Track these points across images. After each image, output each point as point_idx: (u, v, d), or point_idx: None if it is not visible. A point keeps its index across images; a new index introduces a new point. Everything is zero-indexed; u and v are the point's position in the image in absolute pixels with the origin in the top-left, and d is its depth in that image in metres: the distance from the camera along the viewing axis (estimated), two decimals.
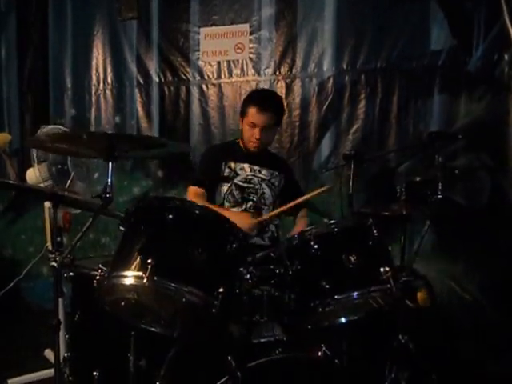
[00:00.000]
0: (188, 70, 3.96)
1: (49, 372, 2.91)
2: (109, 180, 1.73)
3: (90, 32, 4.22)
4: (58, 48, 4.33)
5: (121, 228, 1.83)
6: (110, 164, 1.73)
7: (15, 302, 3.90)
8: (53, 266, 2.11)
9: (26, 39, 4.34)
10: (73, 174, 3.02)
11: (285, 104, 3.58)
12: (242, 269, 1.86)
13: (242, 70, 3.82)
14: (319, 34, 3.62)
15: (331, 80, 3.60)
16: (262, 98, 2.76)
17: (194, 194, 2.72)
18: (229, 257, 1.82)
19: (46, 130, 2.91)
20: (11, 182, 3.21)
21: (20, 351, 3.31)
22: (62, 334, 2.24)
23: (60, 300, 2.26)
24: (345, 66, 3.56)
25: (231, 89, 3.85)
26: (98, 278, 1.85)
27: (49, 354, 3.15)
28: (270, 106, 2.67)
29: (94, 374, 2.15)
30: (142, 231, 1.74)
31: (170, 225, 1.74)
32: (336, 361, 1.97)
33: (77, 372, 2.28)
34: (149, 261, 1.62)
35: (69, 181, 3.00)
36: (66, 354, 2.30)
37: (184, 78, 3.98)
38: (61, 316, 2.33)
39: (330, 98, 3.62)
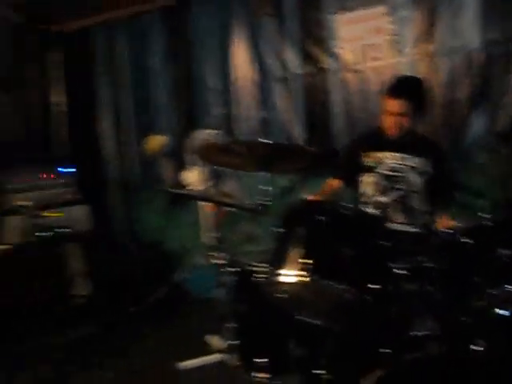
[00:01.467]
0: (327, 58, 3.95)
1: (215, 357, 3.10)
2: (269, 188, 1.83)
3: (229, 30, 4.31)
4: (200, 49, 4.47)
5: (276, 230, 1.93)
6: None
7: (178, 293, 4.15)
8: (213, 260, 2.25)
9: (172, 44, 4.59)
10: (225, 174, 3.18)
11: (428, 84, 3.44)
12: (393, 264, 1.87)
13: (382, 52, 3.72)
14: (463, 5, 3.42)
15: (479, 53, 3.39)
16: (394, 85, 2.70)
17: (328, 186, 2.84)
18: (380, 253, 1.86)
19: (199, 136, 3.08)
20: (185, 192, 3.34)
21: (186, 338, 3.52)
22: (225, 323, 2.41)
23: (222, 291, 2.42)
24: (493, 37, 3.34)
25: (372, 73, 3.78)
26: (259, 274, 1.98)
27: (213, 340, 3.34)
28: (401, 92, 2.61)
29: (259, 360, 2.27)
30: (296, 233, 1.83)
31: (322, 226, 1.83)
32: (494, 356, 1.89)
33: (242, 358, 2.42)
34: (306, 260, 1.72)
35: (223, 183, 3.16)
36: (231, 342, 2.46)
37: (323, 66, 3.97)
38: (223, 306, 2.50)
39: (478, 73, 3.41)
